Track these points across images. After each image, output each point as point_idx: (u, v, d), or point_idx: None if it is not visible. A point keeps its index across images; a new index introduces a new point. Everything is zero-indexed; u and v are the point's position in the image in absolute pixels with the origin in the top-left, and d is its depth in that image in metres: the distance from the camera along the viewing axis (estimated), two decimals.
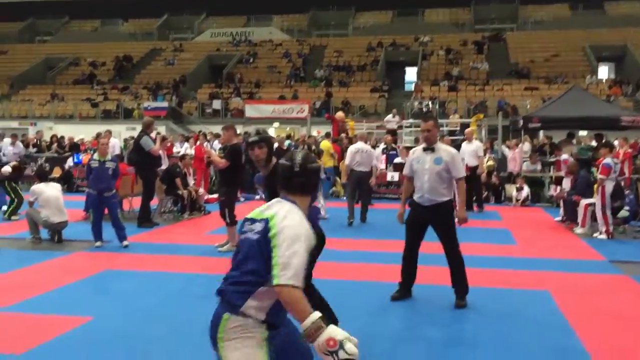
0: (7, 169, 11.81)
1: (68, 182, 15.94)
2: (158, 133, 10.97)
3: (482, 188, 13.37)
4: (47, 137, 21.59)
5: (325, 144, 15.56)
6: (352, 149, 11.09)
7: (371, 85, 30.14)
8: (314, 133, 19.19)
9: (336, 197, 15.56)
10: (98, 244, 8.56)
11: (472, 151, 12.69)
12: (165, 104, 28.03)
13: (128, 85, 31.88)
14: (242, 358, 2.50)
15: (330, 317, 4.13)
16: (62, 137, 20.22)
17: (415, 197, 5.81)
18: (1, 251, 8.03)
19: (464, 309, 5.57)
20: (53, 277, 6.88)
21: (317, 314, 2.45)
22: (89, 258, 8.00)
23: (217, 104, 28.63)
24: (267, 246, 2.50)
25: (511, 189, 14.34)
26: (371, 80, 31.03)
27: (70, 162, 16.96)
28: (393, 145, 16.87)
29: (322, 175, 5.05)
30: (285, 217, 2.55)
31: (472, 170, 12.62)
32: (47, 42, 40.70)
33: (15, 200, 11.49)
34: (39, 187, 9.01)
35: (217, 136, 17.99)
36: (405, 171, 5.96)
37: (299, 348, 2.71)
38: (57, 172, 16.38)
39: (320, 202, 10.26)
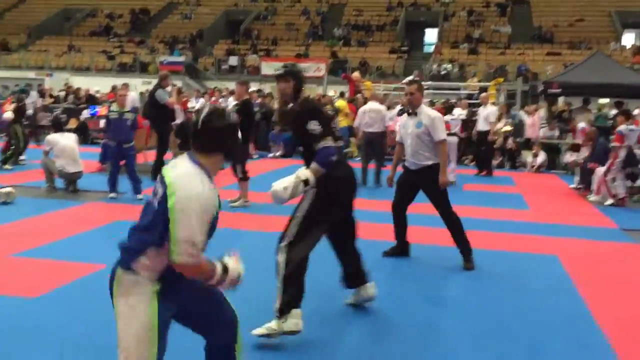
0: (9, 114, 11.85)
1: (83, 134, 16.02)
2: (174, 85, 10.92)
3: (492, 153, 13.29)
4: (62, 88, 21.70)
5: (341, 103, 15.48)
6: (361, 109, 11.02)
7: (390, 46, 29.70)
8: (331, 93, 19.02)
9: (349, 158, 15.52)
10: (112, 195, 8.65)
11: (485, 116, 12.62)
12: (181, 59, 27.88)
13: (144, 39, 31.70)
14: (130, 313, 2.49)
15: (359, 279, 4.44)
16: (79, 89, 20.27)
17: (406, 161, 5.96)
18: (18, 199, 8.13)
19: (472, 270, 5.60)
20: (67, 225, 6.99)
21: (219, 269, 2.53)
22: (103, 208, 8.11)
23: (233, 60, 28.44)
24: (165, 215, 2.42)
25: (527, 155, 14.21)
26: (390, 41, 30.57)
27: (85, 114, 17.03)
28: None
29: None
30: (181, 187, 2.42)
31: (483, 135, 12.59)
32: None
33: (13, 145, 11.53)
34: (54, 137, 9.08)
35: (232, 93, 17.89)
36: (397, 136, 6.16)
37: (203, 294, 2.71)
38: (73, 124, 16.44)
39: None
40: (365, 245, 4.65)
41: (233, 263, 2.61)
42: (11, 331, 3.91)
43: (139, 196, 8.61)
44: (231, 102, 17.10)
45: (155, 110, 10.44)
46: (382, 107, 11.22)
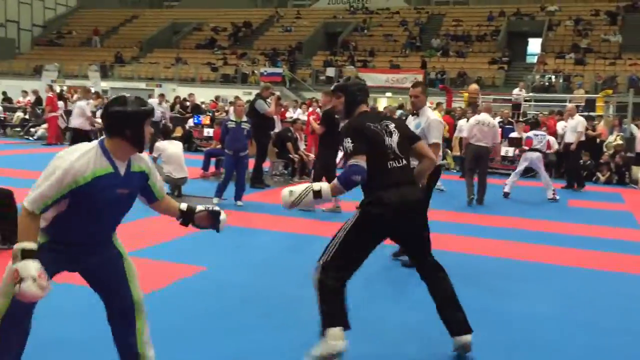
0: None
1: (188, 142, 16.82)
2: (272, 93, 11.23)
3: (578, 165, 12.70)
4: (169, 98, 22.90)
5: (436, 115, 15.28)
6: (472, 121, 10.41)
7: (490, 57, 28.98)
8: (427, 104, 18.81)
9: (446, 170, 15.28)
10: (215, 200, 9.00)
11: (572, 127, 12.05)
12: (280, 70, 28.63)
13: (246, 51, 32.84)
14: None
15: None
16: (185, 99, 21.30)
17: None
18: None
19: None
20: (172, 228, 7.29)
21: (23, 245, 2.62)
22: None
23: (330, 72, 28.83)
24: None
25: (638, 171, 13.36)
26: (490, 51, 29.83)
27: (190, 123, 17.87)
28: (509, 119, 16.26)
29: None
30: (62, 154, 2.76)
31: (567, 147, 12.04)
32: (174, 8, 42.71)
33: None
34: (162, 144, 9.60)
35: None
36: None
37: (113, 272, 3.11)
38: (178, 132, 17.32)
39: None
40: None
41: (29, 284, 2.58)
42: None
43: (239, 203, 8.92)
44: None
45: (256, 119, 10.79)
46: (495, 121, 10.58)
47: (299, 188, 3.74)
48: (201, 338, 4.03)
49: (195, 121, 17.78)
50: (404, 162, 3.78)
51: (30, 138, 18.60)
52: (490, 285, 5.49)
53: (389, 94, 26.26)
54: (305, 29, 34.84)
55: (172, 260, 5.84)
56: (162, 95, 17.77)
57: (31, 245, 2.65)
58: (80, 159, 2.71)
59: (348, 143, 3.64)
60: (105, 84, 27.26)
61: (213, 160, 12.14)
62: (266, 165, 11.39)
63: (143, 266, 5.56)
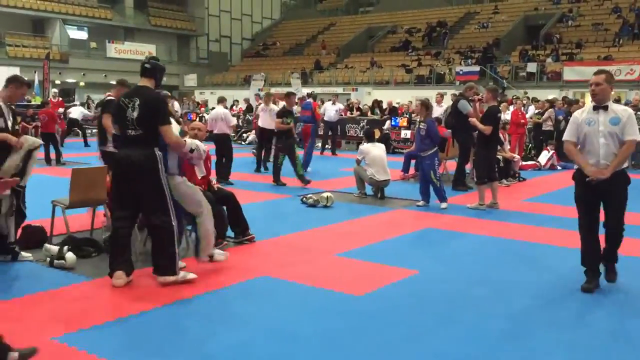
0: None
1: (386, 144, 16.99)
2: (476, 93, 10.84)
3: None
4: (367, 102, 23.42)
5: None
6: None
7: None
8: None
9: None
10: (420, 203, 8.95)
11: None
12: (477, 68, 27.71)
13: (440, 50, 32.37)
14: None
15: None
16: (381, 102, 21.63)
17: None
18: (335, 203, 8.95)
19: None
20: (380, 229, 7.44)
21: None
22: (411, 215, 8.44)
23: (531, 67, 27.19)
24: None
25: None
26: None
27: (388, 125, 18.06)
28: None
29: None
30: None
31: None
32: (369, 13, 43.61)
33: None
34: (366, 146, 9.78)
35: (534, 100, 17.20)
36: (569, 136, 5.05)
37: None
38: (376, 134, 17.62)
39: None
40: None
41: None
42: (345, 325, 4.26)
43: (444, 205, 8.74)
44: (532, 110, 16.40)
45: (458, 120, 10.51)
46: None
47: None
48: (423, 342, 3.96)
49: (393, 123, 17.93)
50: None
51: (243, 143, 20.24)
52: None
53: None
54: (504, 24, 33.31)
55: (382, 262, 5.87)
56: (336, 96, 18.40)
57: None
58: None
59: None
60: (306, 90, 28.78)
61: (413, 162, 12.09)
62: (468, 167, 11.04)
63: (354, 267, 5.71)
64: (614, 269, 5.08)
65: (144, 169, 4.87)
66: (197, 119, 18.51)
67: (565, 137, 5.09)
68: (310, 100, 15.24)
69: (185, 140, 5.26)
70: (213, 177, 7.09)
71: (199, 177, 6.15)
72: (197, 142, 5.48)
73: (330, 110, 17.18)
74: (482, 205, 8.72)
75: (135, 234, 5.70)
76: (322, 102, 18.63)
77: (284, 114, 10.58)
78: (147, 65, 4.99)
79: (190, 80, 36.99)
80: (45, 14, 33.55)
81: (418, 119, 9.21)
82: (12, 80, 5.64)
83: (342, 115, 18.25)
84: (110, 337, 3.96)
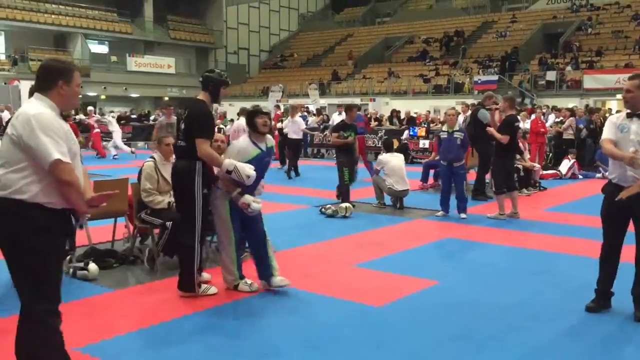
0: None
1: (404, 153, 16.97)
2: (495, 103, 10.76)
3: None
4: (385, 112, 23.41)
5: None
6: None
7: None
8: None
9: None
10: (440, 213, 8.89)
11: None
12: (495, 77, 27.58)
13: (457, 60, 32.29)
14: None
15: None
16: (399, 112, 21.60)
17: (617, 178, 4.60)
18: (354, 214, 8.95)
19: None
20: (399, 239, 7.42)
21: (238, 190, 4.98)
22: (431, 225, 8.40)
23: (550, 75, 26.98)
24: None
25: None
26: None
27: (406, 135, 18.03)
28: None
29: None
30: None
31: None
32: (386, 23, 43.69)
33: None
34: (385, 156, 9.77)
35: (554, 109, 17.07)
36: (608, 134, 4.65)
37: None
38: (395, 144, 17.59)
39: None
40: None
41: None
42: (365, 336, 4.25)
43: (463, 215, 8.69)
44: (552, 119, 16.26)
45: (478, 129, 10.44)
46: None
47: None
48: (444, 354, 3.93)
49: (411, 133, 17.89)
50: None
51: None
52: None
53: (619, 96, 23.68)
54: (522, 32, 33.15)
55: (402, 273, 5.85)
56: (340, 106, 18.33)
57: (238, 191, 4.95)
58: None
59: None
60: (323, 101, 28.82)
61: (431, 172, 12.06)
62: (488, 177, 10.95)
63: (373, 278, 5.69)
64: None
65: (181, 179, 4.97)
66: (217, 131, 18.63)
67: (603, 136, 4.71)
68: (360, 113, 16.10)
69: (223, 158, 4.95)
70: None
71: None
72: (237, 163, 4.88)
73: (337, 121, 17.28)
74: (502, 215, 8.65)
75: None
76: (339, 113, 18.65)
77: (340, 127, 9.69)
78: (200, 79, 5.14)
79: None
80: (67, 29, 34.14)
81: (447, 128, 9.05)
82: None
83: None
84: (132, 346, 3.99)
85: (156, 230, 5.92)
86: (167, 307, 4.75)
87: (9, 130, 2.98)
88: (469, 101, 19.60)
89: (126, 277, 5.22)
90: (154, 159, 6.02)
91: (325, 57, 40.13)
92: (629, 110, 4.62)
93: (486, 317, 4.62)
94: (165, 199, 5.88)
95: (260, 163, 5.10)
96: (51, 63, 3.18)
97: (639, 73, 4.82)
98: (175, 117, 12.35)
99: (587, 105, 18.04)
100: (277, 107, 22.97)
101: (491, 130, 8.85)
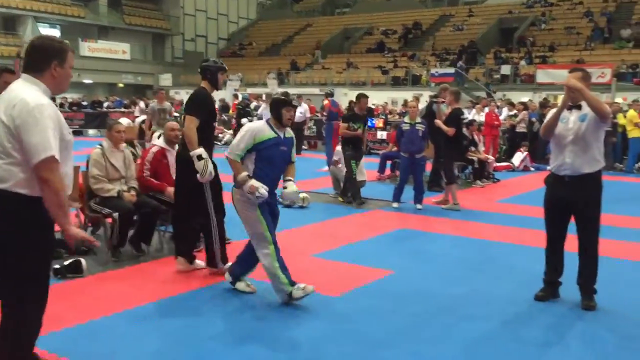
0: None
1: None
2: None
3: None
4: (344, 103, 23.43)
5: (631, 113, 13.95)
6: None
7: None
8: (619, 100, 17.21)
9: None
10: (395, 205, 8.98)
11: None
12: (451, 70, 27.94)
13: (415, 52, 32.59)
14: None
15: None
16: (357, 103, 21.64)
17: (552, 166, 4.83)
18: (311, 204, 8.95)
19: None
20: (356, 230, 7.46)
21: (243, 174, 4.57)
22: (386, 216, 8.47)
23: (505, 69, 27.53)
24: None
25: None
26: None
27: None
28: None
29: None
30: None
31: None
32: (346, 14, 43.74)
33: None
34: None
35: (508, 102, 17.42)
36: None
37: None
38: None
39: None
40: None
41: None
42: (322, 325, 4.26)
43: (419, 206, 8.81)
44: (505, 113, 16.59)
45: (433, 121, 10.56)
46: None
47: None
48: (399, 343, 3.97)
49: (369, 124, 17.96)
50: None
51: (219, 143, 20.11)
52: None
53: None
54: (478, 26, 33.69)
55: (358, 263, 5.88)
56: (299, 97, 18.39)
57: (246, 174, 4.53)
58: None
59: None
60: (282, 91, 28.68)
61: (389, 163, 12.18)
62: None
63: (330, 268, 5.70)
64: (592, 298, 4.71)
65: (185, 159, 5.20)
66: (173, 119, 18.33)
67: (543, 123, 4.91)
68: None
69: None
70: None
71: (174, 177, 6.10)
72: (208, 157, 5.07)
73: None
74: (457, 205, 8.80)
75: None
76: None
77: (350, 118, 9.35)
78: (199, 70, 5.35)
79: (165, 79, 36.63)
80: (17, 11, 32.94)
81: (409, 120, 9.07)
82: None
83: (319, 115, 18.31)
84: (82, 339, 3.90)
85: (109, 220, 5.80)
86: (119, 298, 4.66)
87: (3, 119, 2.72)
88: (427, 93, 19.87)
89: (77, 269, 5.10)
90: (102, 146, 5.90)
91: (284, 47, 39.91)
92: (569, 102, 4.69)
93: (440, 306, 4.70)
94: (116, 187, 5.77)
95: (275, 148, 4.64)
96: (44, 42, 2.90)
97: (580, 67, 4.95)
98: (168, 103, 12.26)
99: (545, 99, 18.47)
100: (235, 96, 22.76)
101: (438, 122, 9.01)
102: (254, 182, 4.47)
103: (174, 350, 3.78)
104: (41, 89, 2.83)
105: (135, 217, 5.83)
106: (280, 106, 4.71)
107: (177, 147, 5.99)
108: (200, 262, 5.48)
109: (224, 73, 5.37)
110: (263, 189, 4.49)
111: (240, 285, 4.89)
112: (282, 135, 4.72)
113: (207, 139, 5.32)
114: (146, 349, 3.78)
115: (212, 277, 5.29)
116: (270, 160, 4.64)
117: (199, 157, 5.01)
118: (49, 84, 2.85)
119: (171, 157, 6.11)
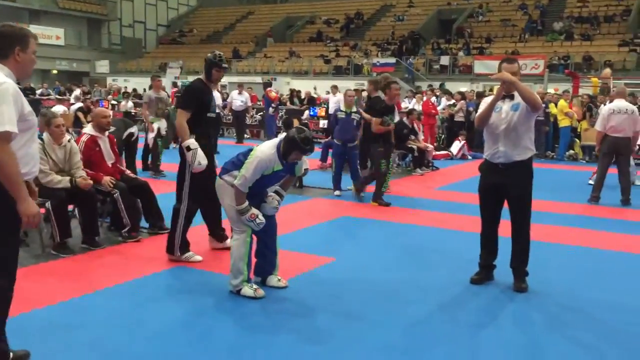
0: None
1: None
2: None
3: None
4: (286, 92, 23.39)
5: (561, 103, 14.54)
6: (604, 110, 9.03)
7: (620, 39, 26.94)
8: (551, 90, 17.89)
9: (573, 160, 14.51)
10: (337, 193, 9.06)
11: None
12: (392, 60, 28.34)
13: (357, 42, 32.83)
14: None
15: None
16: (299, 91, 21.67)
17: (486, 154, 4.99)
18: None
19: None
20: (298, 218, 7.50)
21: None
22: (328, 204, 8.55)
23: (444, 60, 28.14)
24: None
25: None
26: (620, 33, 27.73)
27: (306, 115, 18.14)
28: None
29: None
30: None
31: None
32: (288, 2, 43.55)
33: None
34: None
35: (446, 92, 17.78)
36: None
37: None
38: (295, 124, 17.63)
39: None
40: None
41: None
42: (262, 310, 4.27)
43: (361, 194, 8.91)
44: (444, 102, 16.98)
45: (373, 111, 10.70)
46: (634, 107, 9.04)
47: None
48: (340, 330, 4.04)
49: (311, 113, 18.03)
50: None
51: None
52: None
53: None
54: (419, 17, 34.24)
55: (300, 250, 5.93)
56: (240, 86, 18.30)
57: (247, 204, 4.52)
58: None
59: None
60: (224, 79, 28.34)
61: (330, 151, 12.25)
62: None
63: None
64: (524, 280, 4.88)
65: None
66: (110, 107, 17.83)
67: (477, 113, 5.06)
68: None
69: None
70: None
71: (109, 165, 5.98)
72: (198, 148, 5.14)
73: (236, 100, 17.39)
74: (386, 188, 8.79)
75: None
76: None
77: (383, 111, 8.28)
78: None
79: (102, 66, 35.56)
80: None
81: (345, 109, 9.10)
82: None
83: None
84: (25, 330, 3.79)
85: (42, 210, 5.60)
86: (57, 290, 4.54)
87: None
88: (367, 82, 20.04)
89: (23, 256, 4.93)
90: (42, 140, 5.69)
91: (225, 34, 39.43)
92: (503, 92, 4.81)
93: (379, 291, 4.79)
94: (66, 178, 5.64)
95: (275, 175, 4.63)
96: (6, 28, 3.05)
97: (511, 57, 5.11)
98: (165, 93, 11.84)
99: (491, 90, 18.97)
100: (175, 84, 22.35)
101: (361, 111, 9.07)
102: (254, 211, 4.54)
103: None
104: (5, 72, 2.98)
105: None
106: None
107: (107, 133, 6.16)
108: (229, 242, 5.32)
109: (219, 70, 5.41)
110: (261, 217, 4.60)
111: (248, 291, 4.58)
112: (287, 165, 4.58)
113: (203, 131, 5.35)
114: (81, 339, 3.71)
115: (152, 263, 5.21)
116: (268, 181, 4.65)
117: (188, 148, 5.15)
118: (13, 68, 3.02)
119: (104, 145, 6.03)
